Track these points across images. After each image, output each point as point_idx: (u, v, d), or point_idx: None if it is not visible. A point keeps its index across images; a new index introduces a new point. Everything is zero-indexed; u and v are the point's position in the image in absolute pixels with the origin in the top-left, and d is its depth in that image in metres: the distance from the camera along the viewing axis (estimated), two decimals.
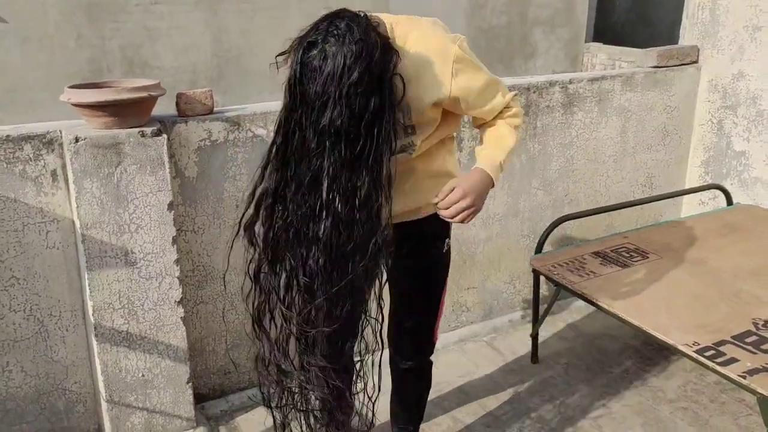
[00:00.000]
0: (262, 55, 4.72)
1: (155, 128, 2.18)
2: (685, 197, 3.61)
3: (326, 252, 1.53)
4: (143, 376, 2.34)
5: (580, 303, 3.36)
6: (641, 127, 3.39)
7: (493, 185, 1.70)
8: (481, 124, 1.79)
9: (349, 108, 1.38)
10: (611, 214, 3.28)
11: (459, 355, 3.03)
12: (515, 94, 1.76)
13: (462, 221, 1.65)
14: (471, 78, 1.63)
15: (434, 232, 1.90)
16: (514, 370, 2.92)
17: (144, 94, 2.12)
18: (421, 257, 1.92)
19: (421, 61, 1.57)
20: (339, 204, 1.48)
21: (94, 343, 2.25)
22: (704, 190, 3.30)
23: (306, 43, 1.42)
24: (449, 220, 1.66)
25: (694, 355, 2.05)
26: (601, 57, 7.82)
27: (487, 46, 5.20)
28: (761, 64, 3.22)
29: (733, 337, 2.13)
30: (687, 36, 3.55)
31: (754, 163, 3.32)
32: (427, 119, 1.68)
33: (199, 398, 2.59)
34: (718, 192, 3.42)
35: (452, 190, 1.63)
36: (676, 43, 7.62)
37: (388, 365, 2.14)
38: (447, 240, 1.94)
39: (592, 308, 3.33)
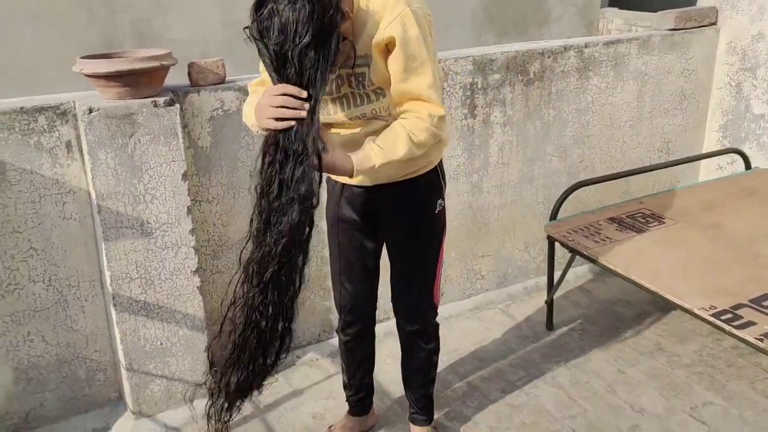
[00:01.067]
0: None
1: (168, 98, 2.18)
2: (703, 162, 3.56)
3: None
4: (161, 344, 2.38)
5: (595, 269, 3.37)
6: (658, 91, 3.34)
7: (350, 176, 1.66)
8: (396, 115, 1.72)
9: (298, 64, 1.46)
10: (627, 179, 3.25)
11: (474, 322, 3.04)
12: (441, 110, 1.67)
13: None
14: (410, 35, 1.61)
15: (426, 192, 1.92)
16: (529, 336, 2.93)
17: (156, 64, 2.11)
18: (416, 218, 1.94)
19: (379, 12, 1.61)
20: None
21: (113, 312, 2.28)
22: (722, 154, 3.26)
23: (256, 2, 1.48)
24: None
25: (711, 318, 2.04)
26: (617, 22, 7.68)
27: (500, 13, 5.12)
28: None
29: (750, 301, 2.11)
30: None
31: None
32: (382, 76, 1.67)
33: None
34: (736, 156, 3.37)
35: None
36: (695, 4, 7.49)
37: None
38: (440, 201, 1.95)
39: (606, 274, 3.33)
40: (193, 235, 2.32)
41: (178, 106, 2.19)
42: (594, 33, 6.10)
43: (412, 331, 2.10)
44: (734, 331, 1.97)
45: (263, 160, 1.58)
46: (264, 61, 1.54)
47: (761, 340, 1.91)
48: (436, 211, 1.96)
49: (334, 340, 2.85)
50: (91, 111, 2.07)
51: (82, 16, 3.97)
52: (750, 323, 2.00)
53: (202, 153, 2.40)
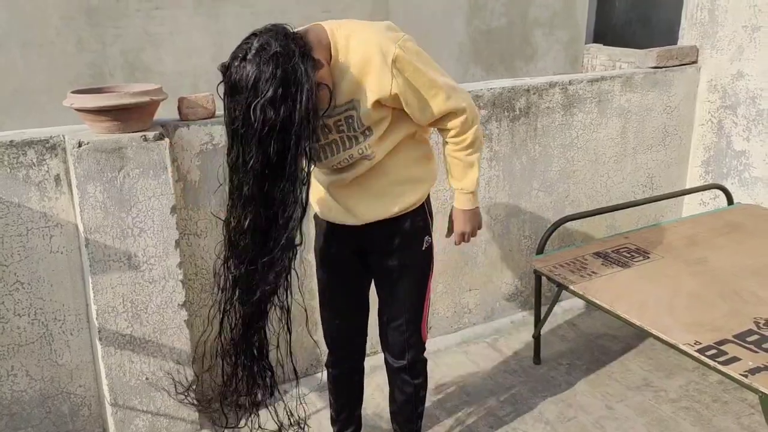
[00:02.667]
0: None
1: (157, 132, 2.19)
2: (686, 197, 3.62)
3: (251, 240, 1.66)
4: (147, 379, 2.35)
5: (581, 303, 3.38)
6: (641, 127, 3.40)
7: (476, 213, 1.98)
8: (438, 130, 1.88)
9: (261, 121, 1.48)
10: (613, 214, 3.29)
11: (461, 356, 3.04)
12: (465, 111, 1.79)
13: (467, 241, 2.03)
14: (414, 75, 1.68)
15: (414, 229, 1.94)
16: (516, 370, 2.93)
17: (146, 99, 2.13)
18: (403, 255, 1.96)
19: (363, 64, 1.65)
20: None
21: (98, 346, 2.26)
22: (705, 189, 3.31)
23: (230, 59, 1.54)
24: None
25: (696, 354, 2.05)
26: (602, 58, 7.84)
27: (488, 48, 5.22)
28: (760, 63, 3.24)
29: (734, 336, 2.13)
30: (686, 36, 3.56)
31: (754, 163, 3.33)
32: (376, 119, 1.73)
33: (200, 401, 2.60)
34: (718, 192, 3.43)
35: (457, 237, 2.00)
36: (676, 43, 7.66)
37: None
38: (427, 237, 1.99)
39: (592, 308, 3.35)
40: (180, 269, 2.31)
41: (167, 140, 2.20)
42: (579, 68, 6.23)
43: (400, 367, 2.10)
44: (719, 366, 1.98)
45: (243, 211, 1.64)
46: (227, 122, 1.57)
47: (746, 376, 1.93)
48: (423, 248, 1.97)
49: (321, 374, 2.83)
50: (80, 145, 2.08)
51: (71, 45, 4.00)
52: (735, 359, 2.02)
53: (191, 187, 2.41)
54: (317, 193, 1.93)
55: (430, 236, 1.99)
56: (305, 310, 2.26)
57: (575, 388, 2.79)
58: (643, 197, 3.44)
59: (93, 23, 4.21)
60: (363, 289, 2.09)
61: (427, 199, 1.96)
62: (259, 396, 1.92)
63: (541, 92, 3.05)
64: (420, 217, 1.94)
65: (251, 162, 1.52)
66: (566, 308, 3.40)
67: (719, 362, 2.00)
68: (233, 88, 1.51)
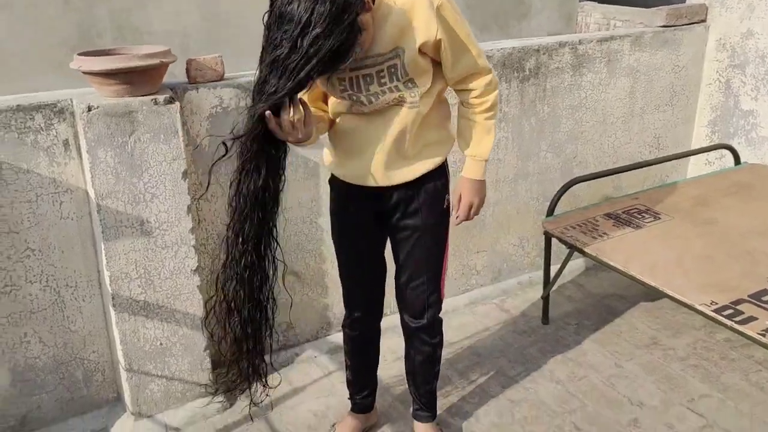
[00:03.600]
0: (255, 17, 4.64)
1: (168, 96, 2.15)
2: (692, 156, 3.61)
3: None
4: (161, 344, 2.35)
5: (587, 263, 3.40)
6: (649, 87, 3.37)
7: (483, 186, 1.96)
8: (454, 86, 1.87)
9: (306, 52, 1.49)
10: (619, 174, 3.28)
11: (470, 317, 3.05)
12: (490, 73, 1.85)
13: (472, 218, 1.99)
14: (454, 24, 1.73)
15: (436, 188, 1.94)
16: (525, 331, 2.95)
17: (156, 61, 2.08)
18: (425, 214, 1.96)
19: (409, 7, 1.67)
20: None
21: (112, 312, 2.25)
22: (713, 149, 3.30)
23: None
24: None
25: (713, 314, 2.07)
26: (596, 16, 7.74)
27: (481, 7, 5.13)
28: None
29: (749, 296, 2.15)
30: None
31: (762, 122, 3.31)
32: (421, 69, 1.74)
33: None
34: (724, 151, 3.42)
35: (459, 201, 1.96)
36: (669, 3, 7.58)
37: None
38: (447, 196, 1.99)
39: (599, 269, 3.37)
40: (192, 234, 2.29)
41: (178, 104, 2.16)
42: (573, 27, 6.14)
43: (419, 327, 2.10)
44: (737, 326, 2.00)
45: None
46: (265, 51, 1.55)
47: (764, 335, 1.95)
48: (444, 206, 1.97)
49: (332, 337, 2.85)
50: (90, 109, 2.04)
51: (57, 6, 3.89)
52: (751, 318, 2.04)
53: (201, 151, 2.37)
54: (341, 156, 1.91)
55: (449, 194, 1.98)
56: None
57: (584, 347, 2.81)
58: (650, 157, 3.43)
59: None
60: (381, 250, 2.08)
61: (446, 159, 1.95)
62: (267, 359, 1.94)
63: (551, 52, 3.01)
64: (441, 176, 1.94)
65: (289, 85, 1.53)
66: (572, 268, 3.40)
67: (736, 322, 2.01)
68: (282, 17, 1.49)
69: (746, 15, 3.29)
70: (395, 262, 2.08)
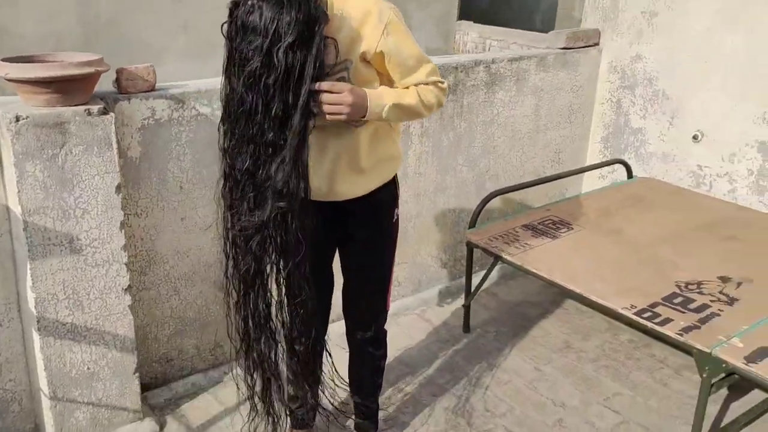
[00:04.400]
0: (133, 24, 4.48)
1: (101, 106, 2.05)
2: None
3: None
4: (89, 368, 2.22)
5: (499, 272, 3.55)
6: (552, 105, 3.59)
7: (363, 116, 1.73)
8: None
9: (284, 65, 1.48)
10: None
11: (395, 327, 3.09)
12: (444, 83, 1.86)
13: (328, 113, 1.65)
14: (399, 42, 1.74)
15: (384, 202, 1.99)
16: (448, 339, 3.05)
17: (91, 70, 1.98)
18: (374, 228, 2.00)
19: (361, 18, 1.70)
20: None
21: (36, 337, 2.10)
22: (610, 164, 3.57)
23: (241, 3, 1.50)
24: (323, 104, 1.64)
25: (634, 317, 2.25)
26: (473, 35, 8.12)
27: None
28: (658, 47, 3.51)
29: (663, 299, 2.35)
30: (589, 19, 3.78)
31: (650, 139, 3.63)
32: (364, 80, 1.76)
33: (142, 388, 2.49)
34: (616, 166, 3.71)
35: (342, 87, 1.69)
36: (535, 25, 8.10)
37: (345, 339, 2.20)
38: (396, 210, 2.04)
39: (508, 277, 3.55)
40: (125, 251, 2.19)
41: (112, 114, 2.06)
42: (452, 44, 6.43)
43: (366, 339, 2.13)
44: (657, 327, 2.19)
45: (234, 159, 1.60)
46: (231, 62, 1.53)
47: (681, 335, 2.14)
48: (394, 220, 2.02)
49: None
50: (18, 119, 1.90)
51: None
52: (668, 320, 2.23)
53: (131, 164, 2.27)
54: None
55: (398, 208, 2.03)
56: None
57: (505, 353, 2.95)
58: (551, 171, 3.66)
59: None
60: (330, 262, 2.10)
61: (396, 174, 2.00)
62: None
63: (468, 70, 3.14)
64: (391, 190, 1.98)
65: (274, 107, 1.50)
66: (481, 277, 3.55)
67: (656, 323, 2.20)
68: (245, 28, 1.47)
69: (635, 40, 3.60)
70: (343, 274, 2.10)
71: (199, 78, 2.56)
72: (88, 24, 4.37)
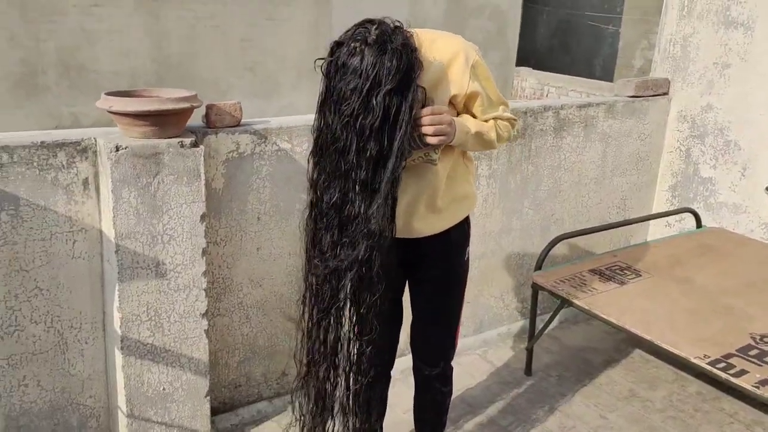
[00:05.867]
0: (203, 63, 4.70)
1: (193, 139, 2.17)
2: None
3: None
4: (164, 389, 2.30)
5: (561, 317, 3.53)
6: (619, 152, 3.60)
7: (454, 136, 1.77)
8: None
9: (382, 110, 1.53)
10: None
11: (456, 367, 3.07)
12: (516, 120, 1.97)
13: (433, 134, 1.69)
14: (484, 83, 1.83)
15: (458, 241, 2.03)
16: (510, 382, 3.03)
17: (186, 105, 2.11)
18: (448, 265, 2.03)
19: (448, 62, 1.77)
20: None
21: (119, 356, 2.20)
22: (678, 213, 3.54)
23: (345, 39, 1.57)
24: (426, 128, 1.69)
25: (708, 367, 2.21)
26: (531, 81, 8.18)
27: None
28: (729, 98, 3.50)
29: (737, 350, 2.31)
30: (659, 69, 3.80)
31: (720, 189, 3.59)
32: None
33: (211, 411, 2.56)
34: (684, 215, 3.67)
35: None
36: (594, 72, 8.09)
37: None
38: (467, 248, 2.07)
39: (571, 322, 3.51)
40: (205, 278, 2.28)
41: (202, 147, 2.18)
42: (510, 90, 6.50)
43: (433, 375, 2.15)
44: (731, 379, 2.15)
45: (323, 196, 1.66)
46: (328, 98, 1.59)
47: (757, 388, 2.10)
48: (465, 258, 2.05)
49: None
50: (118, 149, 2.03)
51: (1, 40, 3.83)
52: (743, 371, 2.19)
53: (214, 194, 2.38)
54: None
55: (469, 246, 2.07)
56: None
57: (568, 398, 2.91)
58: (617, 217, 3.65)
59: (26, 18, 4.06)
60: (401, 296, 2.14)
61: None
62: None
63: (537, 115, 3.19)
64: (464, 229, 2.02)
65: (370, 149, 1.56)
66: (544, 322, 3.53)
67: (730, 374, 2.16)
68: (345, 68, 1.54)
69: (706, 90, 3.59)
70: (413, 310, 2.13)
71: (264, 116, 2.68)
72: (161, 63, 4.62)
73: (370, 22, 1.59)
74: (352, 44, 1.53)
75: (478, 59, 1.79)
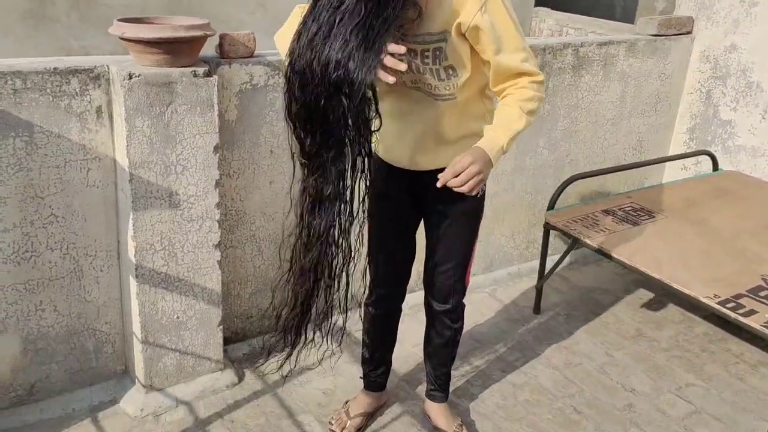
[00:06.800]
0: None
1: (206, 69, 2.14)
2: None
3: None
4: (178, 317, 2.35)
5: (572, 257, 3.54)
6: (638, 92, 3.53)
7: (491, 166, 1.71)
8: (497, 92, 1.83)
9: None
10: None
11: (466, 305, 3.14)
12: (540, 75, 1.78)
13: (471, 189, 1.67)
14: (497, 20, 1.69)
15: None
16: (519, 320, 3.06)
17: (199, 33, 2.07)
18: (461, 201, 1.99)
19: None
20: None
21: (134, 283, 2.23)
22: (696, 155, 3.49)
23: None
24: (459, 189, 1.66)
25: (717, 306, 2.22)
26: (549, 22, 8.00)
27: None
28: (755, 38, 3.40)
29: (748, 291, 2.31)
30: (683, 7, 3.69)
31: (739, 132, 3.53)
32: (458, 56, 1.74)
33: (224, 341, 2.61)
34: (700, 158, 3.63)
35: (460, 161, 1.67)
36: (615, 14, 7.87)
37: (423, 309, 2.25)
38: (483, 185, 2.02)
39: (581, 263, 3.53)
40: (218, 209, 2.29)
41: (215, 77, 2.16)
42: (528, 31, 6.33)
43: (443, 311, 2.18)
44: (740, 318, 2.16)
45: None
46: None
47: (766, 327, 2.10)
48: (479, 195, 2.04)
49: (335, 320, 2.88)
50: (131, 77, 2.02)
51: None
52: (752, 311, 2.20)
53: (227, 126, 2.37)
54: (383, 136, 1.93)
55: (485, 184, 2.04)
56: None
57: (576, 336, 2.95)
58: (633, 159, 3.60)
59: None
60: (413, 230, 2.14)
61: None
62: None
63: (556, 52, 3.12)
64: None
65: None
66: (555, 262, 3.54)
67: (740, 314, 2.17)
68: None
69: (731, 30, 3.49)
70: (426, 246, 2.14)
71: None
72: None
73: None
74: None
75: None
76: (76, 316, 2.30)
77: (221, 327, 2.45)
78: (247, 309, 2.68)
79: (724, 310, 2.20)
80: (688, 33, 3.64)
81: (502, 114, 1.76)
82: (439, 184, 1.68)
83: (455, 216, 2.03)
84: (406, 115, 1.88)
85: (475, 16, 1.68)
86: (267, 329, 2.75)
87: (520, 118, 1.74)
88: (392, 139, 1.92)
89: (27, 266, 2.16)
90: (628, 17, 7.81)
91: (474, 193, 1.71)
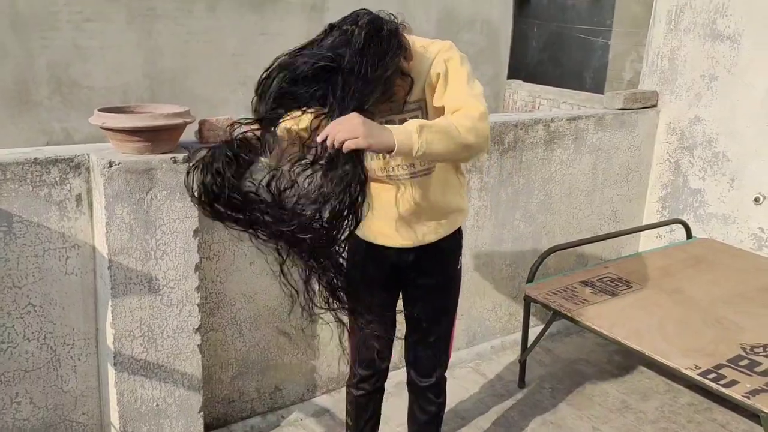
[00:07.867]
0: (196, 78, 4.72)
1: (186, 155, 2.18)
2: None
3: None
4: (157, 405, 2.30)
5: (553, 329, 3.54)
6: (609, 164, 3.63)
7: (392, 150, 1.54)
8: None
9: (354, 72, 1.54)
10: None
11: (450, 380, 3.09)
12: (481, 111, 1.67)
13: (337, 133, 1.49)
14: (455, 69, 1.73)
15: (451, 250, 2.04)
16: (503, 394, 3.04)
17: (179, 121, 2.12)
18: (441, 274, 2.05)
19: (432, 60, 1.74)
20: None
21: (112, 372, 2.19)
22: (669, 224, 3.57)
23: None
24: (329, 134, 1.50)
25: (698, 378, 2.23)
26: (522, 94, 8.25)
27: None
28: (717, 110, 3.54)
29: (728, 361, 2.33)
30: (647, 81, 3.84)
31: (709, 200, 3.62)
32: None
33: (204, 427, 2.55)
34: (674, 226, 3.70)
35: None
36: (585, 84, 8.15)
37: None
38: (460, 258, 2.08)
39: (564, 334, 3.53)
40: (198, 292, 2.29)
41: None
42: (502, 102, 6.55)
43: (427, 386, 2.16)
44: (722, 389, 2.16)
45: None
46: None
47: (748, 398, 2.11)
48: (458, 267, 2.07)
49: (319, 400, 2.85)
50: (111, 165, 2.04)
51: None
52: (734, 382, 2.20)
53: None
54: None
55: (462, 256, 2.08)
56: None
57: (561, 410, 2.92)
58: (608, 229, 3.67)
59: (18, 33, 4.07)
60: (394, 308, 2.14)
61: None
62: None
63: (527, 128, 3.22)
64: (456, 238, 2.04)
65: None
66: (537, 334, 3.54)
67: (721, 385, 2.18)
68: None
69: (694, 102, 3.63)
70: (407, 321, 2.14)
71: None
72: (153, 78, 4.63)
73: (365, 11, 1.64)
74: (344, 26, 1.59)
75: (449, 44, 1.76)
76: (52, 408, 2.25)
77: (202, 413, 2.40)
78: (228, 393, 2.63)
79: (706, 381, 2.21)
80: (654, 106, 3.78)
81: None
82: (319, 138, 1.52)
83: (438, 289, 2.05)
84: (391, 193, 1.92)
85: (433, 65, 1.75)
86: (249, 413, 2.70)
87: (442, 119, 1.65)
88: (378, 218, 1.95)
89: (3, 357, 2.12)
90: (598, 87, 8.09)
91: (336, 142, 1.49)
